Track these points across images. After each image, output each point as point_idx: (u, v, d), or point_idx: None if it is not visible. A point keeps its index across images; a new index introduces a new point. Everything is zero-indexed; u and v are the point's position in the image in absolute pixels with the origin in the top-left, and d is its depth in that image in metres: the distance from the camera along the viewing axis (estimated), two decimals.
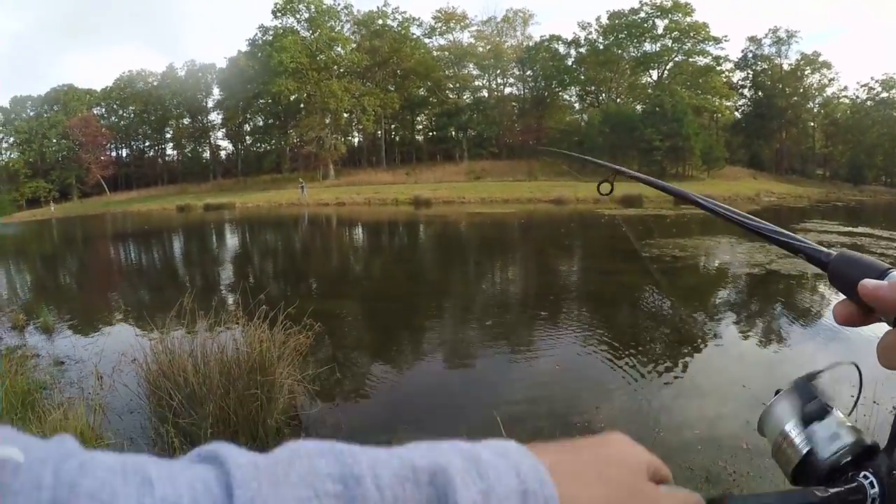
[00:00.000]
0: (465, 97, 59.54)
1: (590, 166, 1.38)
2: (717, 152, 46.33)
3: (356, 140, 63.10)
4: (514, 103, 61.55)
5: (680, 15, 52.06)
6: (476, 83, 60.40)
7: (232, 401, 3.65)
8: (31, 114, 78.49)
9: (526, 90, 61.12)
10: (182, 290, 11.89)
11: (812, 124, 59.47)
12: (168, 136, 77.80)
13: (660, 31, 53.21)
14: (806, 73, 56.36)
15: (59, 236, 35.02)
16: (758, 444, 3.55)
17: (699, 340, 6.28)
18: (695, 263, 12.06)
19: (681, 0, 51.67)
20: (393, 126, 62.26)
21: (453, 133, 57.40)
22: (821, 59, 55.84)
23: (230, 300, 9.94)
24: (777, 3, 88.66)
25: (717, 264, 12.02)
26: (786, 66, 56.70)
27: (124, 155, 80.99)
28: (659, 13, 52.77)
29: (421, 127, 65.92)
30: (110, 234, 31.02)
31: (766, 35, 57.31)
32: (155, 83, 75.08)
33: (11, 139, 77.32)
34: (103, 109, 79.97)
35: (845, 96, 58.21)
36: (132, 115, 78.24)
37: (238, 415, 3.67)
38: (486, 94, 60.45)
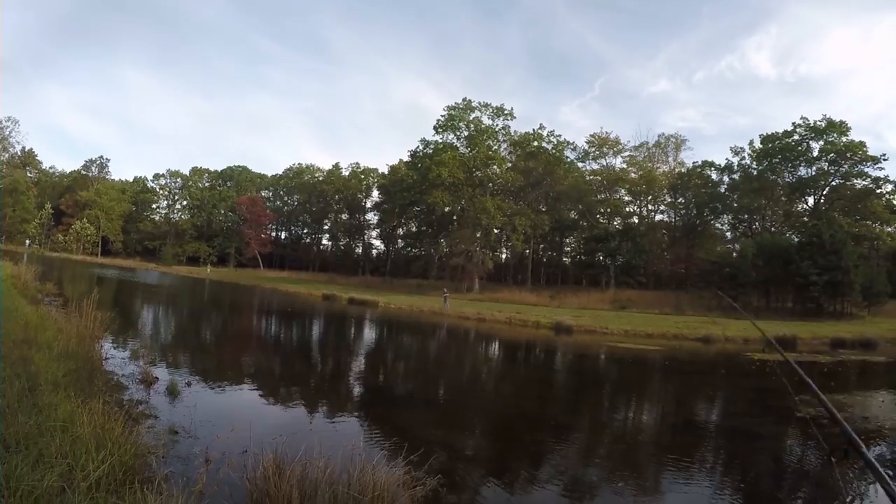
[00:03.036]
0: (615, 223, 58.62)
1: None
2: (880, 286, 41.73)
3: (504, 256, 63.94)
4: (664, 231, 59.57)
5: (835, 135, 48.43)
6: (627, 209, 59.51)
7: None
8: (206, 185, 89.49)
9: (677, 217, 59.11)
10: (312, 378, 11.97)
11: None
12: (325, 227, 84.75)
13: (815, 153, 49.92)
14: None
15: (209, 296, 37.16)
16: None
17: None
18: (860, 427, 10.00)
19: (835, 119, 48.56)
20: (541, 246, 62.32)
21: (601, 258, 55.45)
22: None
23: (356, 399, 9.94)
24: None
25: (888, 429, 10.15)
26: None
27: (283, 237, 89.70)
28: (813, 134, 49.58)
29: (569, 249, 65.91)
30: (256, 305, 32.38)
31: None
32: (320, 178, 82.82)
33: (185, 202, 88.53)
34: (270, 193, 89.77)
35: None
36: (296, 203, 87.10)
37: None
38: (637, 221, 59.23)
